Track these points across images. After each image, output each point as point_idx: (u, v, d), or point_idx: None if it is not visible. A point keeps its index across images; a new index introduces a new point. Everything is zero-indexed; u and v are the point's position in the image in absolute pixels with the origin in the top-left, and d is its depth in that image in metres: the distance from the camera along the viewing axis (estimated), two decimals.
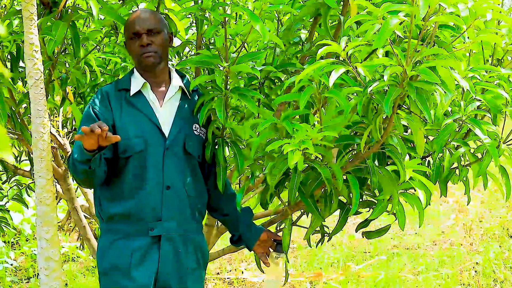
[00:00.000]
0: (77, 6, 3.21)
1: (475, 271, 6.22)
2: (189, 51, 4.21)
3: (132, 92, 2.91)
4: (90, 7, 3.04)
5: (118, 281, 2.87)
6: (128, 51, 2.97)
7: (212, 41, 3.59)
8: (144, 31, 2.87)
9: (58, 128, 4.49)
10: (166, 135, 2.91)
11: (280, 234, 3.16)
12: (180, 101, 2.99)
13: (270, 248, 3.14)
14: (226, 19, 2.85)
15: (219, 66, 2.87)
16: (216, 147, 3.02)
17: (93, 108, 2.88)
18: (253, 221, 3.19)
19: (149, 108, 2.91)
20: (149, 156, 2.87)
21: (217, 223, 3.81)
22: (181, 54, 4.07)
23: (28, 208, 4.86)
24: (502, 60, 3.26)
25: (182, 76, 3.05)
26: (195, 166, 3.00)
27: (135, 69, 2.98)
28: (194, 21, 3.54)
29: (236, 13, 3.63)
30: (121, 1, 3.37)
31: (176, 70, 3.05)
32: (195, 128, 2.99)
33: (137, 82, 2.93)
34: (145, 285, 2.85)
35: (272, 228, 3.30)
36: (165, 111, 2.94)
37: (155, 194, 2.87)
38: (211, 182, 3.09)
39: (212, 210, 3.20)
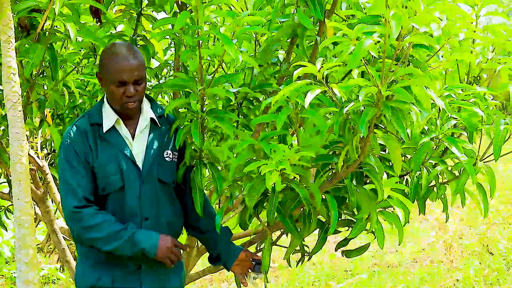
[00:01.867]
0: (55, 28, 3.21)
1: None
2: (168, 72, 4.22)
3: (105, 128, 2.88)
4: (68, 29, 3.04)
5: None
6: (105, 88, 2.88)
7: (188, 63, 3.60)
8: (131, 82, 2.81)
9: (37, 150, 4.47)
10: (140, 167, 2.91)
11: (260, 254, 3.16)
12: (151, 130, 2.97)
13: (249, 269, 3.13)
14: (200, 42, 2.84)
15: (195, 89, 2.88)
16: (194, 169, 3.02)
17: (74, 146, 2.84)
18: (232, 241, 3.19)
19: (122, 143, 2.90)
20: (127, 191, 2.88)
21: (197, 243, 3.81)
22: (159, 76, 4.08)
23: (7, 231, 4.83)
24: (479, 78, 3.29)
25: (151, 100, 3.02)
26: (171, 192, 3.02)
27: (106, 101, 2.92)
28: (172, 43, 3.55)
29: (214, 35, 3.64)
30: (99, 24, 3.37)
31: (145, 95, 3.00)
32: (167, 154, 2.99)
33: (109, 117, 2.89)
34: None
35: (252, 248, 3.30)
36: (137, 144, 2.93)
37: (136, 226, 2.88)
38: (188, 203, 3.09)
39: (190, 228, 3.21)
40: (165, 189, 2.98)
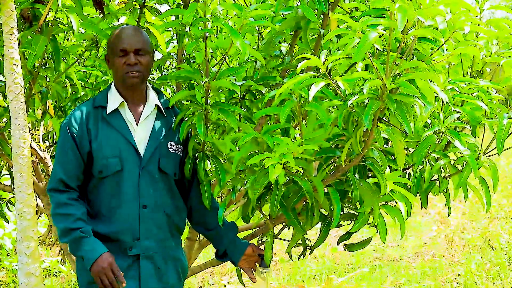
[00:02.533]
0: (57, 20, 3.20)
1: (457, 283, 6.24)
2: (170, 64, 4.21)
3: (109, 110, 2.89)
4: (71, 21, 3.03)
5: None
6: (111, 66, 2.94)
7: (193, 55, 3.59)
8: (132, 50, 2.86)
9: (39, 142, 4.47)
10: (142, 154, 2.90)
11: (262, 247, 3.16)
12: (156, 119, 2.97)
13: (256, 263, 3.12)
14: (207, 34, 2.84)
15: (200, 81, 2.87)
16: (197, 161, 3.01)
17: (70, 129, 2.87)
18: (238, 236, 3.19)
19: (125, 127, 2.90)
20: (125, 176, 2.87)
21: (199, 236, 3.80)
22: (162, 68, 4.07)
23: (8, 223, 4.83)
24: (482, 72, 3.28)
25: (158, 93, 3.04)
26: (171, 184, 3.00)
27: (113, 85, 2.96)
28: (175, 35, 3.54)
29: (217, 27, 3.63)
30: (101, 15, 3.36)
31: (152, 86, 3.04)
32: (171, 146, 2.98)
33: (114, 100, 2.91)
34: None
35: (254, 242, 3.30)
36: (141, 131, 2.93)
37: (132, 213, 2.87)
38: (194, 198, 3.08)
39: (197, 224, 3.19)
40: (166, 180, 2.96)
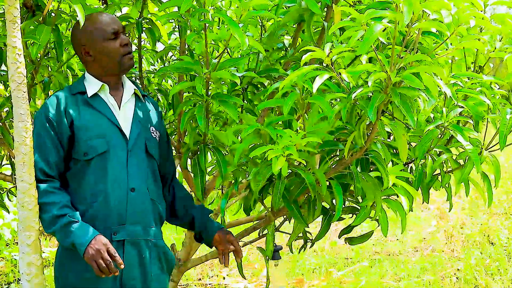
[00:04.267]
0: (60, 10, 3.19)
1: (457, 278, 6.24)
2: (172, 55, 4.21)
3: (90, 93, 2.85)
4: (74, 10, 3.01)
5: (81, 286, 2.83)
6: (103, 55, 2.86)
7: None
8: (122, 30, 2.85)
9: None
10: (128, 136, 2.86)
11: (263, 240, 3.16)
12: (136, 104, 2.95)
13: (230, 246, 3.03)
14: (207, 25, 2.83)
15: (200, 72, 2.86)
16: (198, 153, 3.01)
17: (47, 116, 2.80)
18: (210, 219, 3.12)
19: (108, 109, 2.86)
20: (112, 158, 2.81)
21: None
22: (164, 59, 4.06)
23: (8, 213, 4.81)
24: (484, 67, 3.28)
25: (133, 82, 3.03)
26: (155, 169, 2.96)
27: (87, 75, 2.91)
28: (177, 26, 3.53)
29: (219, 18, 3.62)
30: (104, 6, 3.35)
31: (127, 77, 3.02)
32: (152, 130, 2.96)
33: (93, 85, 2.87)
34: None
35: (255, 234, 3.30)
36: (124, 114, 2.89)
37: (120, 196, 2.80)
38: (166, 189, 3.07)
39: (173, 215, 3.15)
40: (151, 165, 2.92)
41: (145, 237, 2.87)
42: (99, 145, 2.79)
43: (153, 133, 2.95)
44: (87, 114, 2.82)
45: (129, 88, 2.94)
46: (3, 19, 2.98)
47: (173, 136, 3.62)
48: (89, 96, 2.84)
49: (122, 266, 2.64)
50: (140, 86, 3.06)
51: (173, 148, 3.51)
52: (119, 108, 2.88)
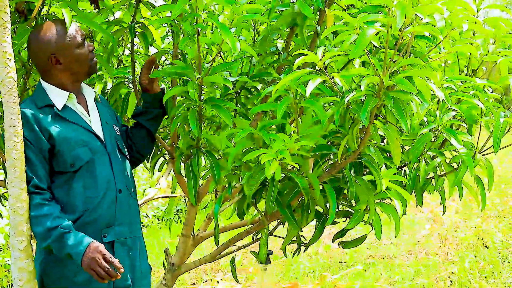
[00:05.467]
0: (52, 14, 3.18)
1: (451, 281, 6.24)
2: (165, 60, 4.19)
3: (60, 106, 2.82)
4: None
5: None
6: (75, 60, 2.85)
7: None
8: (85, 36, 2.89)
9: None
10: (103, 140, 2.90)
11: (257, 244, 3.15)
12: (97, 106, 2.98)
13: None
14: (199, 29, 2.82)
15: (193, 76, 2.86)
16: (191, 158, 3.00)
17: (24, 136, 2.75)
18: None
19: (80, 118, 2.87)
20: (98, 163, 2.84)
21: (193, 233, 3.78)
22: (157, 63, 4.04)
23: (2, 218, 4.79)
24: (477, 71, 3.28)
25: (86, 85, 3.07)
26: (129, 166, 3.04)
27: (46, 84, 2.88)
28: (170, 30, 3.52)
29: (212, 23, 3.62)
30: (96, 10, 3.34)
31: None
32: (115, 128, 3.03)
33: (60, 97, 2.85)
34: None
35: (249, 238, 3.29)
36: (93, 118, 2.92)
37: (110, 200, 2.84)
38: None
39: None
40: (126, 163, 3.00)
41: (131, 235, 2.94)
42: (84, 154, 2.82)
43: (116, 130, 3.02)
44: (62, 126, 2.81)
45: (90, 92, 2.97)
46: None
47: (166, 141, 3.61)
48: (59, 110, 2.83)
49: (122, 270, 2.64)
50: (133, 90, 3.05)
51: (166, 152, 3.51)
52: (88, 115, 2.91)
